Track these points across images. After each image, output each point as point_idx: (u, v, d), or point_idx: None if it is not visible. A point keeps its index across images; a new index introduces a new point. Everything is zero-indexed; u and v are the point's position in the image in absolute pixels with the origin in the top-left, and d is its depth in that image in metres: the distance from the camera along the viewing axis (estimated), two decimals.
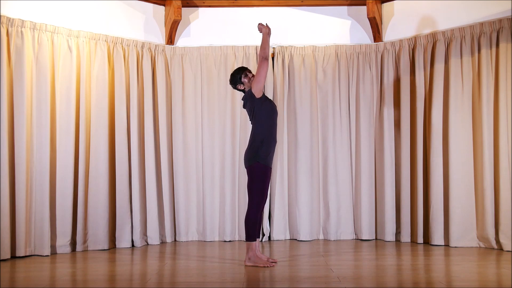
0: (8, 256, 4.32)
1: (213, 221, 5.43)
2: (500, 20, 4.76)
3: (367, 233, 5.37)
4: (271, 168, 4.05)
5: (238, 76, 4.17)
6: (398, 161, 5.31)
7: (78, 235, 4.80)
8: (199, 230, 5.47)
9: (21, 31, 4.49)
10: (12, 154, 4.43)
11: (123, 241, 5.03)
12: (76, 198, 4.80)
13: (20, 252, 4.40)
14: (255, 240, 3.99)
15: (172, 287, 3.36)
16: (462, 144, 4.89)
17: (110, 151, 5.02)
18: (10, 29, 4.45)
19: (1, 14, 4.38)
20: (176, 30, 5.52)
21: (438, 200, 4.96)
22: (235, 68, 4.35)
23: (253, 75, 4.16)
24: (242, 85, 4.18)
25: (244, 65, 5.47)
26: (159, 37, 5.53)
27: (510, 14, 4.71)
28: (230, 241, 5.36)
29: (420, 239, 5.09)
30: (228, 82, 5.46)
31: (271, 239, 5.43)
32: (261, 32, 4.07)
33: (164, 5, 5.54)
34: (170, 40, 5.52)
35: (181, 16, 5.40)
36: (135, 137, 5.15)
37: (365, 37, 5.60)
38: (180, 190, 5.42)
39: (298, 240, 5.38)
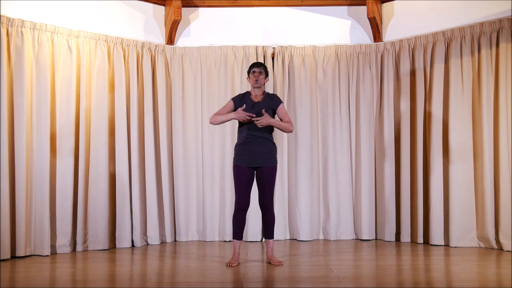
0: (8, 256, 4.31)
1: (213, 221, 5.43)
2: (500, 20, 4.75)
3: (367, 233, 5.37)
4: (243, 167, 4.01)
5: (248, 70, 4.17)
6: (398, 161, 5.30)
7: (78, 235, 4.80)
8: (199, 230, 5.47)
9: (21, 31, 4.48)
10: (12, 154, 4.43)
11: (123, 241, 5.03)
12: (76, 198, 4.80)
13: (20, 252, 4.40)
14: (235, 239, 4.08)
15: (172, 287, 3.36)
16: (462, 144, 4.89)
17: (110, 151, 5.02)
18: (10, 29, 4.45)
19: (1, 14, 4.38)
20: (176, 30, 5.52)
21: (438, 200, 4.96)
22: (257, 62, 4.40)
23: (263, 76, 4.10)
24: (248, 79, 4.17)
25: (244, 65, 5.46)
26: (159, 37, 5.53)
27: (510, 14, 4.71)
28: (230, 241, 5.35)
29: (420, 239, 5.08)
30: (228, 82, 5.49)
31: None
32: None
33: (164, 5, 5.54)
34: (170, 40, 5.52)
35: (181, 16, 5.40)
36: (135, 137, 5.15)
37: (365, 37, 5.60)
38: (180, 190, 5.42)
39: (298, 240, 5.37)
